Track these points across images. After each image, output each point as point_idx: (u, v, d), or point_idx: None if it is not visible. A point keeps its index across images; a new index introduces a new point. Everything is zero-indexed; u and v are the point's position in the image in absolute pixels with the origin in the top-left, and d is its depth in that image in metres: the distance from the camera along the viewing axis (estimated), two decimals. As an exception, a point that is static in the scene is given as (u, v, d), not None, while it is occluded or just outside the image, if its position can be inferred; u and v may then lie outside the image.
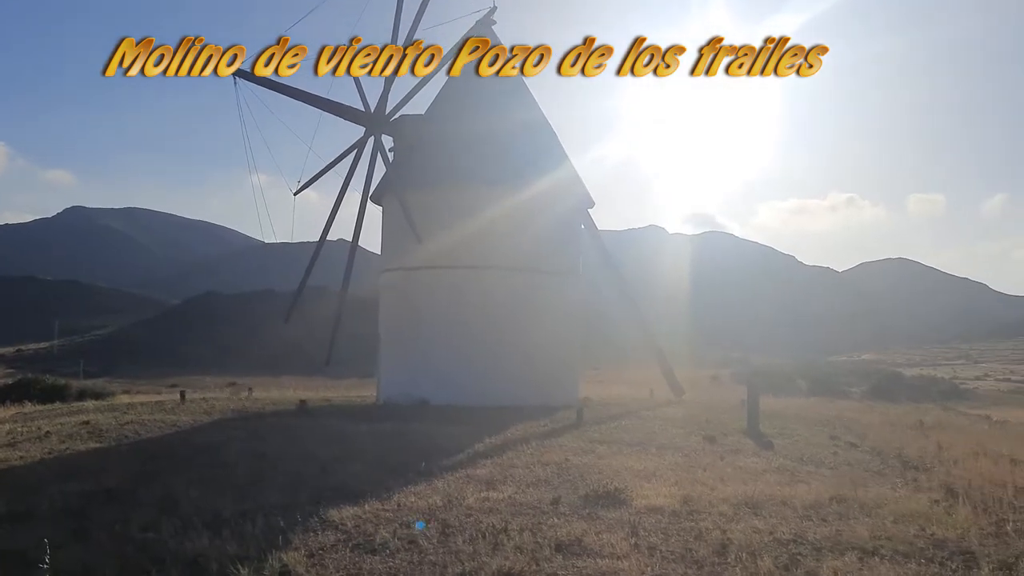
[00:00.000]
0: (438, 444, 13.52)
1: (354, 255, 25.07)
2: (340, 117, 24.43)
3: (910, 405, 43.19)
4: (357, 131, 25.17)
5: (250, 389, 27.82)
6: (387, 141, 25.45)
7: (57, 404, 28.11)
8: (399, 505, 8.60)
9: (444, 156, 24.03)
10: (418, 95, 25.26)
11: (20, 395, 30.11)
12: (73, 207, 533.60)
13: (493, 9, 24.78)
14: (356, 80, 25.26)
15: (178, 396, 23.54)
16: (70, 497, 9.20)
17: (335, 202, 25.59)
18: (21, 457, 12.81)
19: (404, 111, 25.28)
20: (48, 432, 16.27)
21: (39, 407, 25.70)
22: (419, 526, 7.58)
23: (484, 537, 7.13)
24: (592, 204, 26.17)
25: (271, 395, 27.19)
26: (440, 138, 24.26)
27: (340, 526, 7.67)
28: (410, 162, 24.17)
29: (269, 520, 7.80)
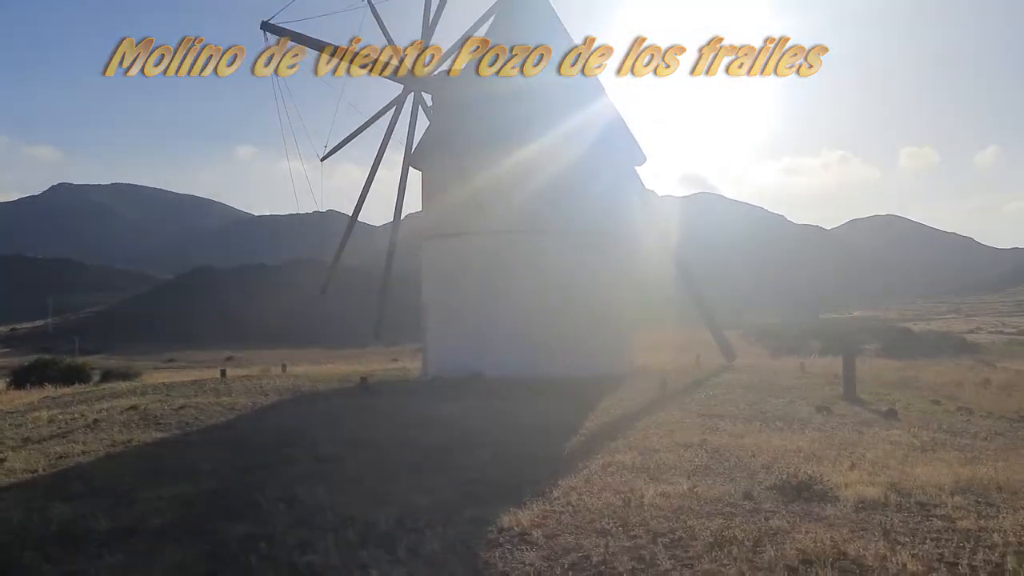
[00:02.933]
0: (542, 424, 12.30)
1: (397, 226, 23.58)
2: (378, 75, 22.89)
3: (950, 362, 42.34)
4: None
5: (284, 365, 26.52)
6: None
7: (82, 386, 26.80)
8: (572, 505, 7.34)
9: (489, 114, 22.56)
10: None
11: (39, 377, 28.73)
12: (60, 184, 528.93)
13: None
14: (387, 36, 23.76)
15: (217, 374, 22.23)
16: (174, 504, 7.91)
17: (372, 167, 24.16)
18: (83, 452, 11.49)
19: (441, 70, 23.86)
20: (96, 420, 14.99)
21: (65, 390, 24.37)
22: None
23: (720, 548, 5.86)
24: (644, 160, 24.71)
25: (308, 371, 25.84)
26: (484, 95, 22.75)
27: (526, 537, 6.41)
28: (453, 121, 22.69)
29: (437, 531, 6.54)
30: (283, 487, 8.35)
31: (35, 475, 9.97)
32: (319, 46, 21.80)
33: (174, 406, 15.99)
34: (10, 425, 15.59)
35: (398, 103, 23.45)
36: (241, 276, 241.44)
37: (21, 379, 28.56)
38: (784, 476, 8.00)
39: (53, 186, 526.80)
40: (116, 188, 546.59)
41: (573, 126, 22.33)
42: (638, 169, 24.74)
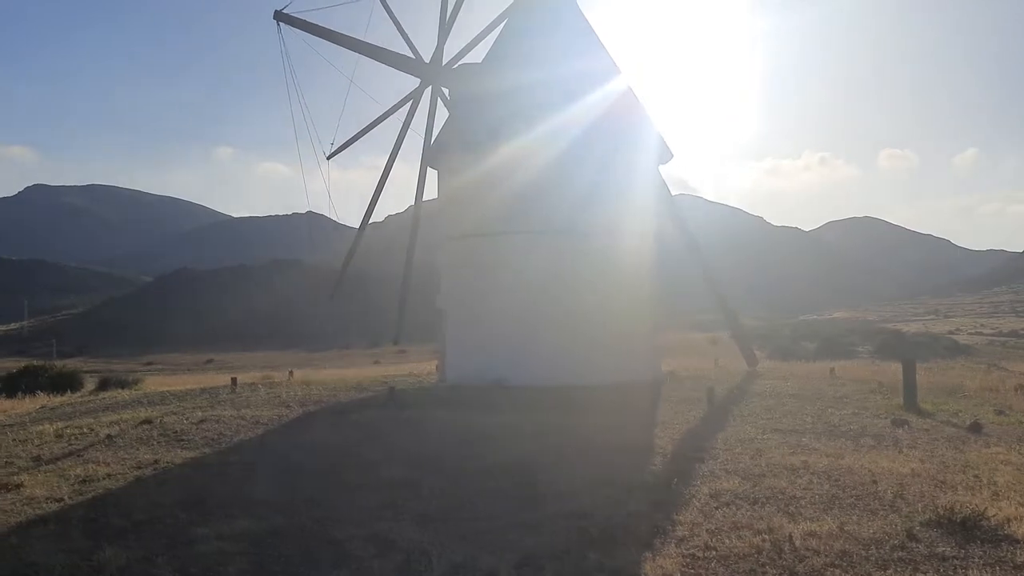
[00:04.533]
0: (606, 441, 11.30)
1: (418, 225, 22.44)
2: (392, 67, 21.83)
3: (956, 365, 41.60)
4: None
5: (291, 372, 25.38)
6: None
7: (76, 395, 25.53)
8: (714, 549, 6.35)
9: (509, 108, 21.49)
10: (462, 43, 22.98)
11: (30, 384, 27.36)
12: (35, 185, 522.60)
13: None
14: (400, 28, 22.72)
15: (226, 381, 21.07)
16: (241, 545, 6.83)
17: (386, 164, 23.04)
18: (108, 475, 10.34)
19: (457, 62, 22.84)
20: (110, 435, 13.83)
21: (61, 399, 23.15)
22: None
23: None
24: (670, 157, 23.76)
25: (316, 378, 24.66)
26: (503, 89, 21.72)
27: (687, 593, 5.41)
28: (472, 117, 21.65)
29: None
30: (362, 523, 7.30)
31: (63, 505, 8.84)
32: (334, 37, 20.73)
33: (193, 419, 14.85)
34: (14, 440, 14.39)
35: (415, 97, 22.33)
36: (220, 278, 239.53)
37: (12, 387, 27.18)
38: (938, 511, 7.04)
39: (28, 187, 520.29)
40: (92, 189, 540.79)
41: (600, 121, 21.39)
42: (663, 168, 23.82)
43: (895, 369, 25.20)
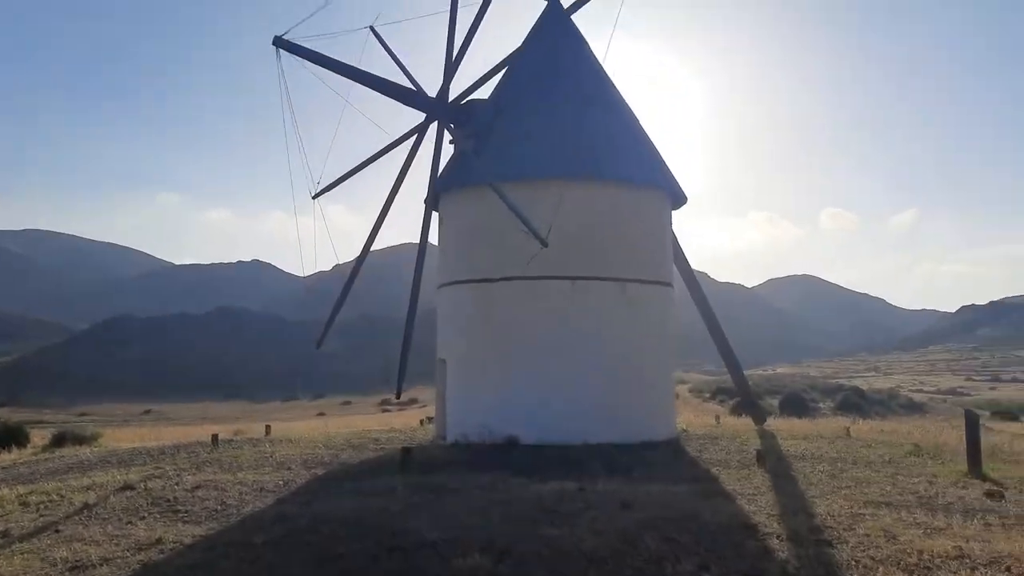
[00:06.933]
0: (706, 519, 9.67)
1: (421, 271, 20.84)
2: (398, 100, 20.39)
3: (939, 421, 40.78)
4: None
5: (268, 427, 23.27)
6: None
7: (30, 452, 23.04)
8: None
9: (519, 148, 20.20)
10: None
11: (-29, 439, 24.74)
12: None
13: None
14: (399, 63, 21.40)
15: (209, 439, 18.92)
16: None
17: (384, 205, 21.41)
18: (104, 559, 8.43)
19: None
20: (87, 504, 11.87)
21: (13, 457, 20.74)
22: None
23: None
24: (684, 201, 22.53)
25: (295, 433, 22.60)
26: (512, 127, 20.45)
27: None
28: (480, 155, 20.25)
29: None
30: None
31: (60, 605, 6.93)
32: (336, 66, 19.27)
33: (185, 485, 12.87)
34: (-31, 509, 12.27)
35: (418, 132, 20.89)
36: (160, 326, 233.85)
37: (-49, 440, 24.50)
38: None
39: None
40: (28, 234, 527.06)
41: (612, 161, 20.26)
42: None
43: (912, 428, 24.16)
